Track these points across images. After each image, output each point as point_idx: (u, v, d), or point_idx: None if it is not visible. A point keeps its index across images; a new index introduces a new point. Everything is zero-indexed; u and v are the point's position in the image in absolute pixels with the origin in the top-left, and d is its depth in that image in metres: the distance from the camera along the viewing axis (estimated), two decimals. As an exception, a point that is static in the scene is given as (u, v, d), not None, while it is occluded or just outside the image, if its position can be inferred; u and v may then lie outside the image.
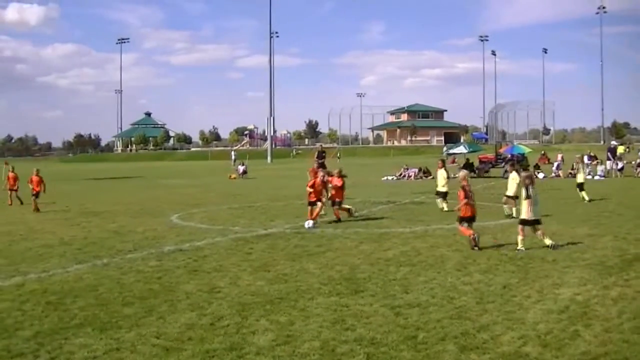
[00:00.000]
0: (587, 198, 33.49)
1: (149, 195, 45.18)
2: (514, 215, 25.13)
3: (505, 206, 27.64)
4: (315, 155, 57.62)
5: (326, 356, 10.26)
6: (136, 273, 17.09)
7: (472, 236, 19.86)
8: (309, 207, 26.57)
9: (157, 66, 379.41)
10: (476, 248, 19.49)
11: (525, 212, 19.82)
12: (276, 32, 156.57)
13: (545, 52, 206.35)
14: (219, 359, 10.22)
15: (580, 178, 36.27)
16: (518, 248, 19.45)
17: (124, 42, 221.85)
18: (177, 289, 15.21)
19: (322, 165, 53.00)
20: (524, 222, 19.78)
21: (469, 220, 20.44)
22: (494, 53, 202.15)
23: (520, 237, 19.65)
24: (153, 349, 10.74)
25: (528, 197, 19.70)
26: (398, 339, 11.05)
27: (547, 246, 19.37)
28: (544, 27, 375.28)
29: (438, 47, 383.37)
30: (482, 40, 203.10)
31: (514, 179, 27.06)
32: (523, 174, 21.32)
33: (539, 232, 19.82)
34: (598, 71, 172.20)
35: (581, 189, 34.90)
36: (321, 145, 70.05)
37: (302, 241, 21.92)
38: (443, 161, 33.46)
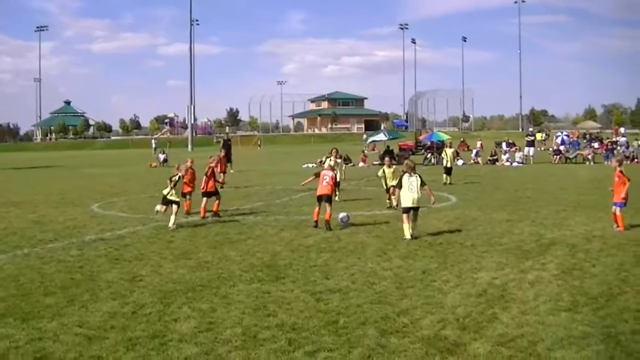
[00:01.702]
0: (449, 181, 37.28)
1: (70, 185, 44.56)
2: (394, 206, 25.03)
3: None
4: (221, 145, 57.39)
5: (248, 342, 10.38)
6: (57, 263, 16.99)
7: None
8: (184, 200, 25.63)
9: (77, 54, 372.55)
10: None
11: (403, 200, 20.16)
12: (196, 20, 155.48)
13: (465, 41, 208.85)
14: (141, 347, 10.26)
15: (448, 164, 39.65)
16: (404, 237, 19.54)
17: (43, 30, 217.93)
18: (98, 278, 15.18)
19: (226, 155, 53.06)
20: (405, 211, 19.93)
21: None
22: (413, 41, 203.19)
23: (405, 225, 19.77)
24: (75, 338, 10.72)
25: (400, 186, 20.27)
26: (319, 324, 11.23)
27: (404, 238, 19.53)
28: (464, 16, 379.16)
29: (358, 35, 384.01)
30: (402, 29, 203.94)
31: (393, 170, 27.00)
32: (406, 162, 21.44)
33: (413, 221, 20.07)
34: (517, 60, 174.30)
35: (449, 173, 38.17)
36: (227, 134, 69.29)
37: (223, 229, 22.00)
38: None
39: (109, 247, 19.05)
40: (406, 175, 20.17)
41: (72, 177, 53.75)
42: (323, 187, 22.07)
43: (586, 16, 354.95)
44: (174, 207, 22.29)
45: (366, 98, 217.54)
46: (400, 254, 17.31)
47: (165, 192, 22.51)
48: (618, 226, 20.37)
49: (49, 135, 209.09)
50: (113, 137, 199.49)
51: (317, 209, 22.09)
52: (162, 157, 69.64)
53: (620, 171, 20.89)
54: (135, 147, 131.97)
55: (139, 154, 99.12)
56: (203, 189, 25.53)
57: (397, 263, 16.17)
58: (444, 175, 38.84)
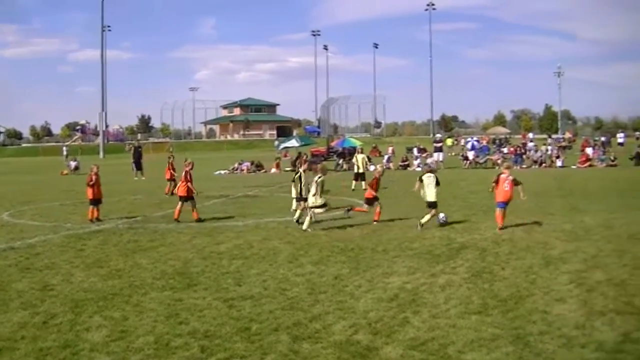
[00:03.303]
0: (360, 187, 36.93)
1: (-24, 193, 43.72)
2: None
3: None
4: (132, 152, 56.88)
5: (161, 350, 10.36)
6: (-35, 272, 16.66)
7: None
8: (92, 207, 25.87)
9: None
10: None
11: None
12: (108, 26, 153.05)
13: (377, 47, 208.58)
14: (52, 357, 10.16)
15: (360, 170, 40.70)
16: (304, 228, 22.28)
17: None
18: (8, 287, 14.97)
19: (137, 163, 52.75)
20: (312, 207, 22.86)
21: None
22: (325, 48, 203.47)
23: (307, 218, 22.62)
24: (-15, 349, 10.54)
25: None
26: (231, 331, 11.26)
27: (303, 229, 22.30)
28: (376, 22, 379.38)
29: (271, 42, 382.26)
30: (314, 35, 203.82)
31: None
32: (319, 165, 24.02)
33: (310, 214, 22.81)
34: (428, 66, 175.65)
35: (362, 179, 38.63)
36: (137, 141, 68.64)
37: (135, 236, 21.82)
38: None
39: (20, 256, 18.74)
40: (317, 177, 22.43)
41: (-20, 186, 52.67)
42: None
43: (496, 23, 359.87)
44: None
45: (278, 104, 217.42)
46: (312, 260, 17.39)
47: None
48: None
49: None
50: (24, 145, 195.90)
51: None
52: (73, 164, 68.55)
53: (500, 175, 22.45)
54: (46, 155, 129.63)
55: (50, 162, 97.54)
56: (180, 192, 25.74)
57: (309, 269, 16.25)
58: (353, 182, 39.15)
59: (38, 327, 11.82)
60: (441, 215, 23.08)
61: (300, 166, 26.17)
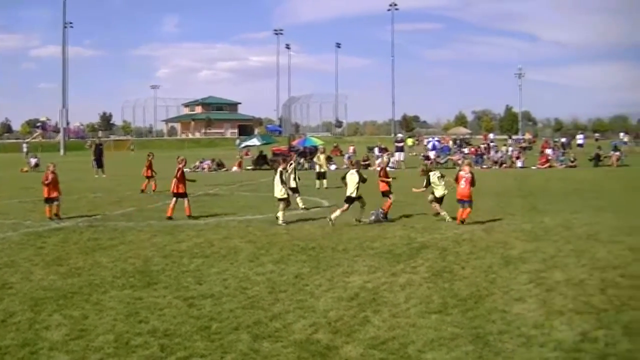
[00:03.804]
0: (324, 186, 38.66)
1: None
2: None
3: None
4: (93, 149, 56.63)
5: (120, 349, 10.32)
6: None
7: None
8: (48, 206, 25.63)
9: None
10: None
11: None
12: (70, 23, 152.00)
13: (339, 47, 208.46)
14: (11, 356, 10.09)
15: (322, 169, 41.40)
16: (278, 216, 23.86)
17: None
18: (-35, 285, 14.80)
19: (98, 160, 52.48)
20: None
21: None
22: (288, 47, 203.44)
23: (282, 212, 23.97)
24: (-59, 347, 10.44)
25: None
26: (192, 330, 11.24)
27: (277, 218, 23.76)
28: (339, 22, 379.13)
29: (233, 40, 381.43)
30: (277, 34, 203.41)
31: None
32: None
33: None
34: (390, 66, 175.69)
35: (323, 178, 39.73)
36: (99, 138, 68.47)
37: (95, 234, 21.70)
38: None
39: (-23, 254, 18.54)
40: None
41: (-62, 183, 52.11)
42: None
43: (458, 24, 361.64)
44: None
45: (240, 103, 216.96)
46: (273, 258, 17.39)
47: None
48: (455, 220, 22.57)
49: None
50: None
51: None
52: (33, 161, 67.93)
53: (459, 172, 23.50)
54: (6, 151, 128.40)
55: (9, 158, 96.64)
56: (173, 190, 25.99)
57: (270, 268, 16.25)
58: (317, 181, 39.20)
59: (-4, 325, 11.73)
60: (374, 212, 24.13)
61: (279, 165, 26.17)
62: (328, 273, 15.56)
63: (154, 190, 36.63)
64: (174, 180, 25.99)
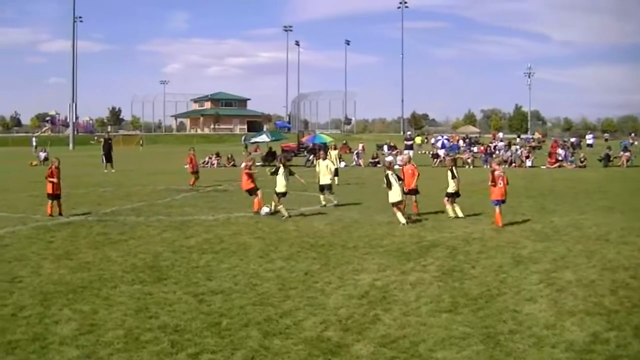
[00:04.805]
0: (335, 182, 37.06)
1: (-57, 183, 43.30)
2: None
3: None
4: (102, 144, 56.72)
5: (130, 344, 10.30)
6: None
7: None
8: (50, 202, 25.18)
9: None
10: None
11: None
12: (80, 17, 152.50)
13: (348, 44, 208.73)
14: (21, 350, 10.08)
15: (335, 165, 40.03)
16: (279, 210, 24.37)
17: None
18: (-25, 279, 14.81)
19: (107, 155, 52.57)
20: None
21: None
22: (297, 43, 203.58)
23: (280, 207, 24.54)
24: (-48, 341, 10.44)
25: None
26: (202, 326, 11.22)
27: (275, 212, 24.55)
28: (348, 19, 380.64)
29: (242, 36, 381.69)
30: (286, 31, 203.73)
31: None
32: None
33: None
34: (399, 64, 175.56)
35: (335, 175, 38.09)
36: (107, 133, 68.57)
37: (104, 229, 21.70)
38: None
39: (-13, 248, 18.55)
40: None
41: (-52, 175, 52.20)
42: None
43: (467, 23, 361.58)
44: None
45: (249, 99, 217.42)
46: (283, 255, 17.38)
47: None
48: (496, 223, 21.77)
49: None
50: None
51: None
52: (42, 155, 68.23)
53: (492, 172, 22.53)
54: (15, 145, 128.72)
55: (19, 152, 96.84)
56: (245, 187, 26.56)
57: (280, 264, 16.23)
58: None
59: (6, 319, 11.72)
60: (265, 208, 24.85)
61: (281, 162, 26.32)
62: (338, 270, 15.53)
63: (191, 185, 37.07)
64: (244, 177, 26.30)
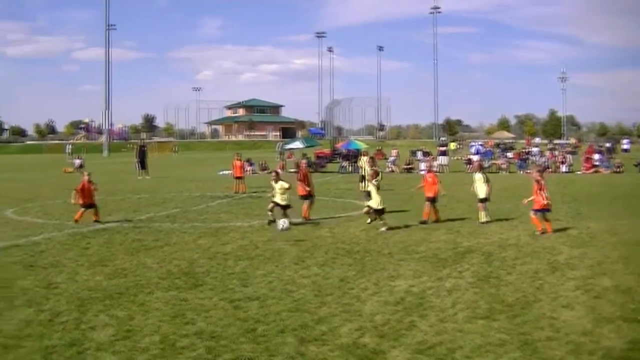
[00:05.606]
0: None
1: (-19, 190, 43.65)
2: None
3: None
4: (136, 151, 57.06)
5: (167, 350, 10.32)
6: (-30, 269, 16.62)
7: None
8: (81, 210, 25.16)
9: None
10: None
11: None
12: (113, 25, 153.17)
13: (381, 50, 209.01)
14: (58, 355, 10.12)
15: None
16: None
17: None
18: (13, 285, 14.92)
19: (142, 162, 52.89)
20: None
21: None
22: (330, 49, 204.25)
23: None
24: (-10, 346, 10.50)
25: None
26: (238, 332, 11.21)
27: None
28: (381, 25, 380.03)
29: (275, 43, 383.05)
30: (319, 37, 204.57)
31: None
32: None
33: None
34: (431, 70, 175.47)
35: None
36: (142, 140, 69.06)
37: (139, 235, 21.79)
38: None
39: (24, 254, 18.70)
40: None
41: (-15, 182, 52.63)
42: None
43: (500, 28, 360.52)
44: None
45: (283, 106, 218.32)
46: (318, 261, 17.35)
47: None
48: (540, 230, 21.49)
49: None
50: (27, 142, 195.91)
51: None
52: (77, 162, 68.72)
53: (537, 180, 22.07)
54: (50, 152, 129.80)
55: (53, 159, 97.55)
56: (300, 192, 26.28)
57: (315, 271, 16.20)
58: (360, 184, 39.02)
59: (44, 325, 11.78)
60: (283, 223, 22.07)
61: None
62: (373, 277, 15.48)
63: (236, 192, 37.59)
64: (298, 182, 26.21)
